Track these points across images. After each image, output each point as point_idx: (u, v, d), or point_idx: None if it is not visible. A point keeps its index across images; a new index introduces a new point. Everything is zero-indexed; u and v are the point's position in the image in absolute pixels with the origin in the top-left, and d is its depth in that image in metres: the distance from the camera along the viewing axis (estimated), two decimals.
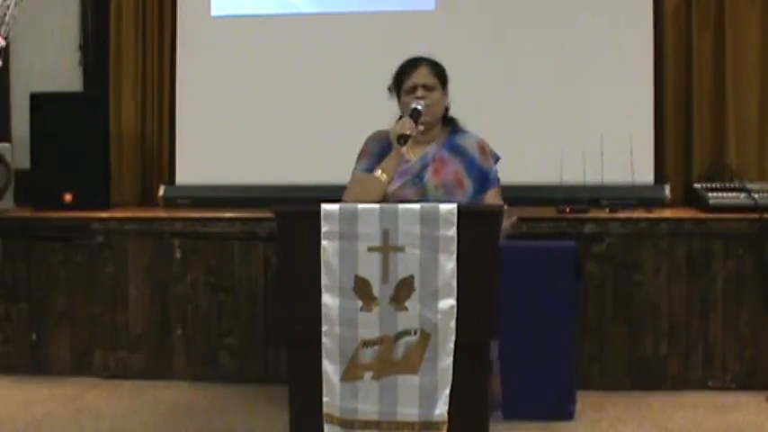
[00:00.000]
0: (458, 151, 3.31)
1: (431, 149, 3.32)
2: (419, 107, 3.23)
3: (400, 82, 3.36)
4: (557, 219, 4.27)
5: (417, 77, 3.31)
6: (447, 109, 3.42)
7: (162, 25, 5.13)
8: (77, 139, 4.67)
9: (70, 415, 3.94)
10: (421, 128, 3.23)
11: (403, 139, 3.18)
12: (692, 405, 3.95)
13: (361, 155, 3.36)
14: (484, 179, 3.30)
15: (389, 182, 3.23)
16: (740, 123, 4.70)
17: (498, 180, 3.37)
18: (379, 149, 3.30)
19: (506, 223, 3.03)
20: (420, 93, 3.28)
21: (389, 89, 3.40)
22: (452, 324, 2.62)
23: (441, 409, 2.63)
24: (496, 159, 3.38)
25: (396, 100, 3.39)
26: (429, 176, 3.26)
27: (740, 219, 4.16)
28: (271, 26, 5.00)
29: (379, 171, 3.24)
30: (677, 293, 4.17)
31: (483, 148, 3.34)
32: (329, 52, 4.90)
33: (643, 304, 4.18)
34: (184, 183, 5.02)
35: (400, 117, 3.30)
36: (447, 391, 2.63)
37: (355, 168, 3.35)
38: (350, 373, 2.67)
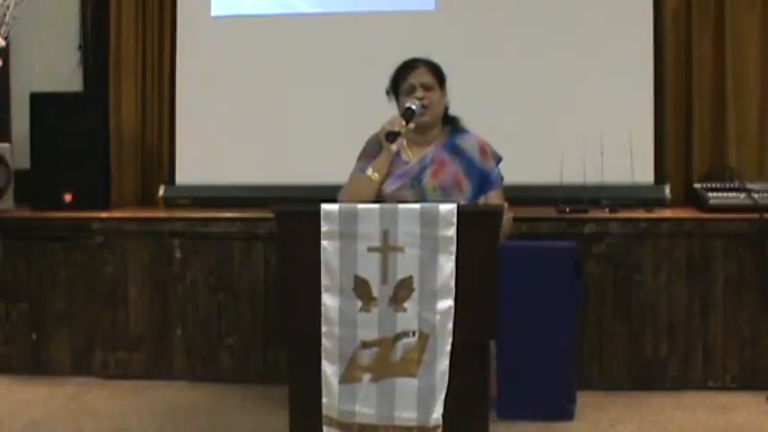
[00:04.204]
0: (457, 152, 3.30)
1: (430, 151, 3.30)
2: (413, 107, 3.22)
3: (398, 84, 3.34)
4: (557, 219, 4.27)
5: (416, 77, 3.29)
6: (447, 108, 3.40)
7: (162, 25, 5.14)
8: (77, 139, 4.67)
9: (70, 415, 3.94)
10: (411, 126, 3.21)
11: (391, 136, 3.17)
12: (691, 405, 3.95)
13: (361, 156, 3.35)
14: (484, 181, 3.28)
15: (382, 180, 3.23)
16: (740, 123, 4.70)
17: (502, 180, 3.34)
18: (377, 151, 3.29)
19: (506, 217, 2.99)
20: (419, 93, 3.26)
21: (387, 92, 3.38)
22: (450, 326, 2.61)
23: (437, 413, 2.62)
24: (498, 160, 3.35)
25: (395, 103, 3.37)
26: (427, 178, 3.25)
27: (740, 219, 4.16)
28: (271, 26, 5.00)
29: (371, 170, 3.24)
30: (677, 293, 4.17)
31: (483, 148, 3.32)
32: (329, 52, 4.90)
33: (643, 304, 4.18)
34: (184, 183, 5.02)
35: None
36: (444, 395, 2.61)
37: (354, 169, 3.35)
38: (349, 374, 2.66)
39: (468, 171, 3.27)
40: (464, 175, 3.26)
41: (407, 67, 3.34)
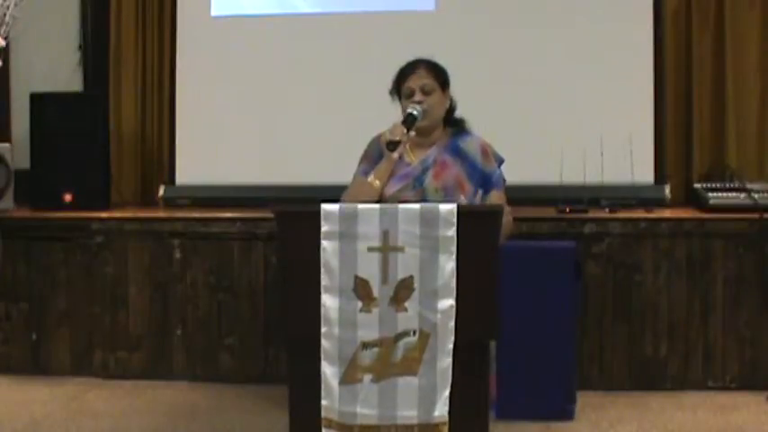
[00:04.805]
0: (459, 154, 3.28)
1: (432, 152, 3.29)
2: (414, 112, 3.20)
3: (400, 86, 3.32)
4: (557, 219, 4.27)
5: (414, 80, 3.27)
6: (453, 110, 3.38)
7: (162, 25, 5.14)
8: (77, 139, 4.67)
9: (70, 415, 3.94)
10: (412, 134, 3.21)
11: (392, 145, 3.16)
12: (691, 405, 3.95)
13: (362, 159, 3.34)
14: (486, 182, 3.27)
15: (382, 187, 3.23)
16: (740, 123, 4.70)
17: (504, 182, 3.33)
18: (379, 153, 3.27)
19: (505, 219, 2.99)
20: (418, 97, 3.25)
21: (391, 93, 3.36)
22: (451, 324, 2.61)
23: (440, 411, 2.61)
24: (500, 162, 3.34)
25: (398, 103, 3.36)
26: (429, 180, 3.24)
27: (740, 219, 4.16)
28: (271, 26, 5.00)
29: (372, 176, 3.23)
30: (677, 293, 4.17)
31: (485, 150, 3.31)
32: (329, 52, 4.90)
33: (643, 304, 4.18)
34: (184, 183, 5.02)
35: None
36: (447, 393, 2.61)
37: (356, 172, 3.34)
38: (349, 375, 2.65)
39: (469, 173, 3.26)
40: (466, 177, 3.25)
41: (408, 69, 3.32)
